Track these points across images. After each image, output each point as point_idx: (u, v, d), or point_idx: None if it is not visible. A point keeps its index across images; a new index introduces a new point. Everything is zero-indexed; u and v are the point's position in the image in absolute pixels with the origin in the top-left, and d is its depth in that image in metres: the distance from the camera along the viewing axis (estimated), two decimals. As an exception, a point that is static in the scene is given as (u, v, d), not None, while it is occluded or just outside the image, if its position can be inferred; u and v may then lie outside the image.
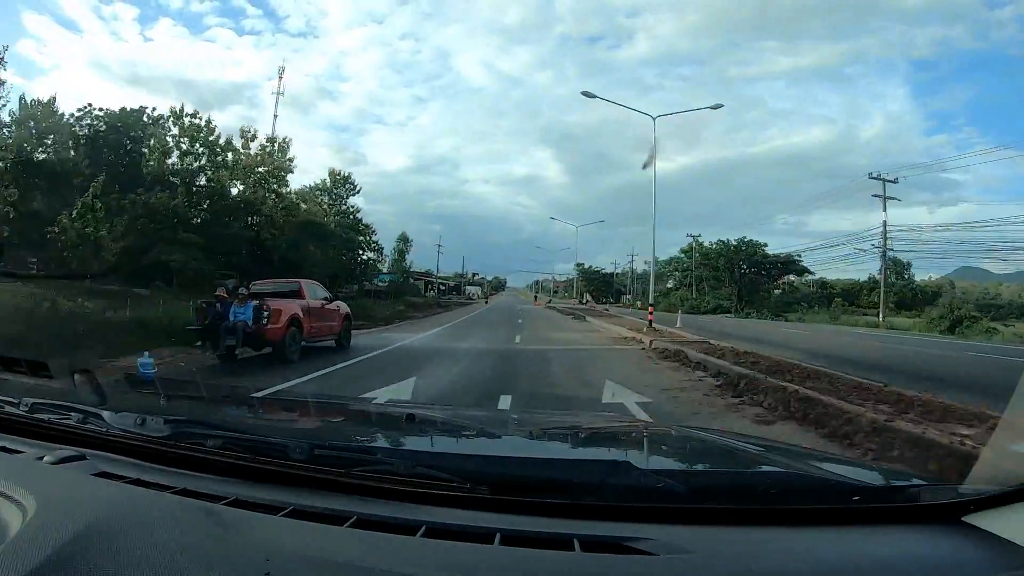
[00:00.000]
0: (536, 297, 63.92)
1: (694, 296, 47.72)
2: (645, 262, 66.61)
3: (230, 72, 74.25)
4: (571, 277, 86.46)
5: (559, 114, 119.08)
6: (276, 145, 29.26)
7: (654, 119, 15.74)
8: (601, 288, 72.40)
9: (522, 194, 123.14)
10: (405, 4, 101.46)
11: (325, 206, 38.00)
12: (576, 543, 0.77)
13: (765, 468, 1.22)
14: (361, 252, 41.31)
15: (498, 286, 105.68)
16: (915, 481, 1.08)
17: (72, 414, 1.16)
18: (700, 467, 1.29)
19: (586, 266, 69.99)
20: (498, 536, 0.78)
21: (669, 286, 58.58)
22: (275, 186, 29.04)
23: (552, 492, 0.89)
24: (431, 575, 0.70)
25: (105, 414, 1.13)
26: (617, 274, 74.53)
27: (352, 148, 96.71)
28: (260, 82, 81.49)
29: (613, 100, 18.43)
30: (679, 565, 0.75)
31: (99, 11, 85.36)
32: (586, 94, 17.13)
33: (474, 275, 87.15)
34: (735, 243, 46.49)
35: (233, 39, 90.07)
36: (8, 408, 1.19)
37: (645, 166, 16.64)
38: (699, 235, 52.02)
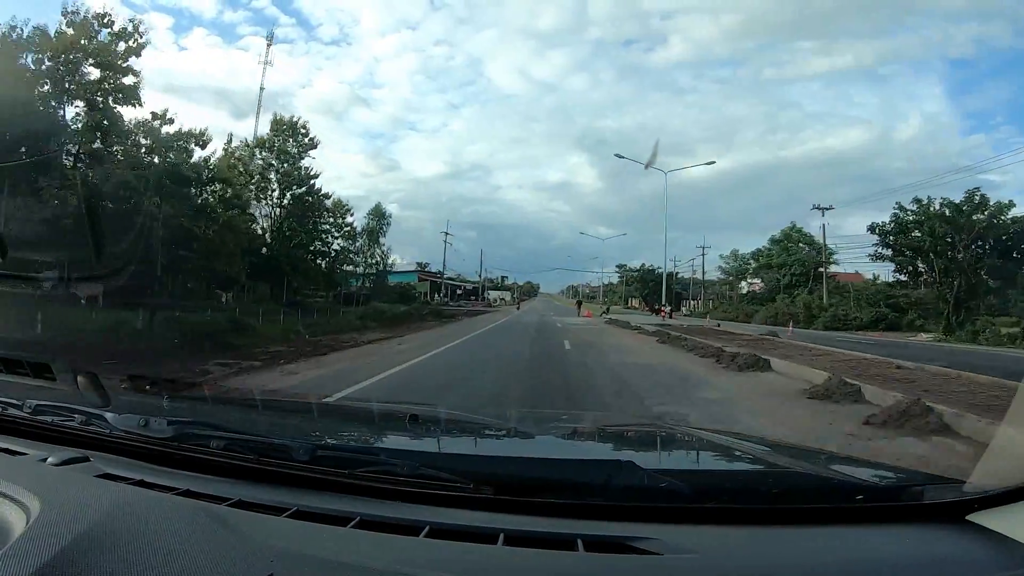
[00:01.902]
0: (580, 304, 43.29)
1: (827, 303, 30.56)
2: (721, 256, 51.04)
3: (264, 80, 64.95)
4: (610, 281, 71.98)
5: (593, 119, 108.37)
6: (112, 30, 15.84)
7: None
8: (656, 292, 57.49)
9: (556, 200, 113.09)
10: (439, 10, 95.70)
11: (256, 162, 24.52)
12: (580, 543, 0.77)
13: (769, 467, 1.20)
14: (326, 239, 27.57)
15: (530, 291, 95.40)
16: (918, 480, 1.08)
17: (75, 416, 1.15)
18: (704, 467, 1.28)
19: (628, 267, 54.71)
20: (501, 536, 0.78)
21: (750, 285, 42.85)
22: (113, 98, 15.58)
23: (556, 492, 0.89)
24: None
25: (108, 415, 1.13)
26: (678, 275, 59.55)
27: (386, 155, 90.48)
28: (294, 90, 75.03)
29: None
30: (683, 565, 0.75)
31: (132, 20, 78.12)
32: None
33: (503, 279, 74.98)
34: (952, 206, 24.63)
35: (266, 48, 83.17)
36: (11, 410, 1.19)
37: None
38: (830, 207, 34.28)
